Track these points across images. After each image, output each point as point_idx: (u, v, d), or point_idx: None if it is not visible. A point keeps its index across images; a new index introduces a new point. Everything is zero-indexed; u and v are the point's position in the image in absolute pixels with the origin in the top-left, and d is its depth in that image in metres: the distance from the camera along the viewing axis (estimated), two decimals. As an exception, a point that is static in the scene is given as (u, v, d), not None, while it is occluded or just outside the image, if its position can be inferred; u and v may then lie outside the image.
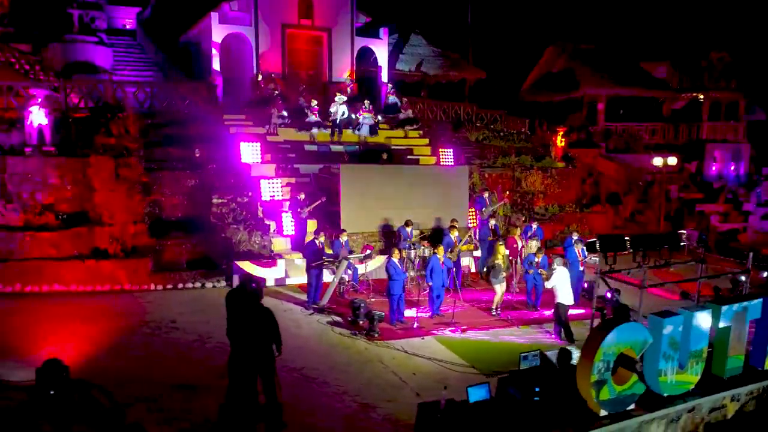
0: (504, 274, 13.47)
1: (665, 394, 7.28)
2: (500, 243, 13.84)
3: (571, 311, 13.36)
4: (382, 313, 11.78)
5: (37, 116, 14.39)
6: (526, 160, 23.10)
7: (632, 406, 7.05)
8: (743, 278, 15.21)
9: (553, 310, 12.38)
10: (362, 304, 12.15)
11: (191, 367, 9.74)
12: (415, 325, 12.11)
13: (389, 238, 16.59)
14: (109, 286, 13.29)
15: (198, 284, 13.99)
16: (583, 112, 30.93)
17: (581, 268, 14.73)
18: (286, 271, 14.82)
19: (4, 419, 7.87)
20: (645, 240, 8.73)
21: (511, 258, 15.16)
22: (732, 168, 29.69)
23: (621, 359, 6.76)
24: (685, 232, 9.95)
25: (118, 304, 12.46)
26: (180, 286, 13.84)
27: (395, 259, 12.22)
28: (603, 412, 6.82)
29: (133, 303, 12.61)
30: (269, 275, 14.53)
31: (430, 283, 12.66)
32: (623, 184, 26.28)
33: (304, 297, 13.58)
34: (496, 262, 13.32)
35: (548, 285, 11.81)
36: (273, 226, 16.16)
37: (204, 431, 7.94)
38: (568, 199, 22.75)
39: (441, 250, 12.86)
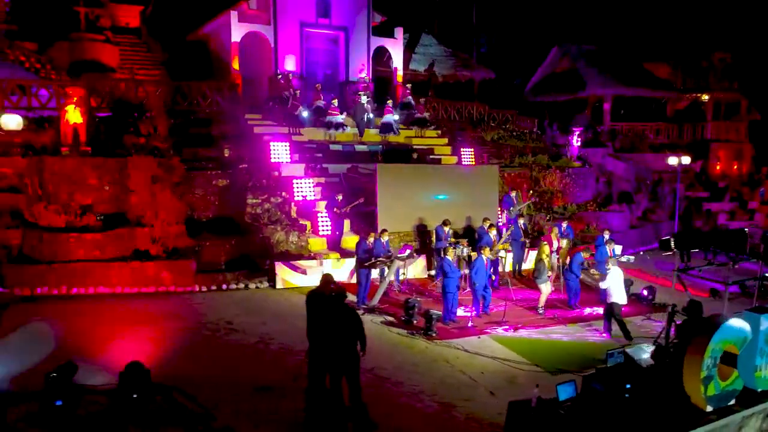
0: (549, 273, 13.59)
1: (759, 390, 7.43)
2: (545, 242, 13.95)
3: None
4: (440, 313, 11.81)
5: (73, 115, 14.11)
6: (542, 160, 23.29)
7: (732, 402, 7.19)
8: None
9: (602, 309, 12.54)
10: (416, 304, 12.15)
11: (262, 369, 9.64)
12: (470, 324, 12.14)
13: (423, 238, 16.64)
14: (154, 287, 13.09)
15: (241, 285, 13.85)
16: (587, 111, 31.32)
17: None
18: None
19: (93, 424, 7.73)
20: (716, 238, 8.87)
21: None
22: (735, 167, 30.31)
23: (724, 356, 6.89)
24: (747, 229, 10.18)
25: (169, 305, 12.28)
26: (224, 287, 13.69)
27: (450, 257, 12.26)
28: (708, 408, 6.93)
29: (183, 304, 12.44)
30: (312, 275, 14.43)
31: (476, 283, 12.70)
32: (632, 183, 26.68)
33: (350, 297, 13.51)
34: (541, 261, 13.44)
35: (603, 285, 11.91)
36: (308, 226, 16.08)
37: (297, 432, 7.88)
38: (585, 198, 23.01)
39: (487, 250, 12.96)
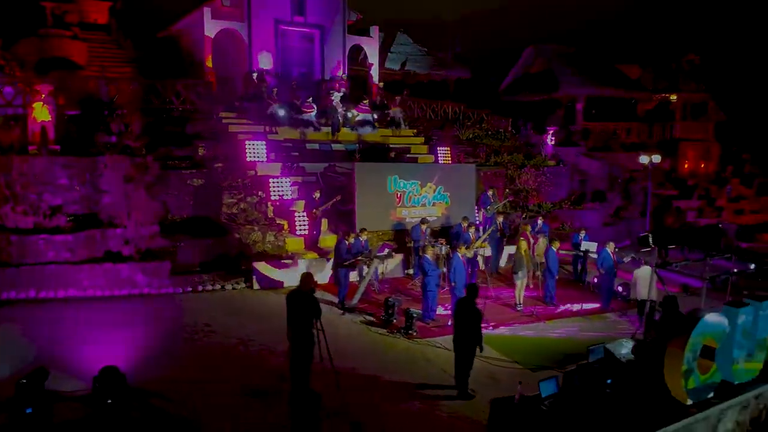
0: (525, 269, 13.68)
1: (736, 382, 7.57)
2: (522, 239, 14.04)
3: (587, 305, 13.86)
4: (420, 311, 11.79)
5: (41, 113, 13.69)
6: (517, 159, 23.47)
7: (711, 395, 7.31)
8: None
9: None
10: (396, 303, 12.10)
11: (245, 371, 9.45)
12: (450, 323, 12.09)
13: (401, 237, 16.59)
14: (128, 290, 12.76)
15: (218, 286, 13.61)
16: (561, 111, 31.72)
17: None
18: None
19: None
20: (691, 234, 9.01)
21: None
22: (702, 166, 31.03)
23: (704, 350, 7.01)
24: (721, 225, 10.36)
25: (144, 308, 11.97)
26: (200, 288, 13.43)
27: (429, 255, 12.24)
28: (689, 401, 7.03)
29: (159, 307, 12.15)
30: (290, 275, 14.27)
31: (454, 283, 12.69)
32: (605, 182, 27.11)
33: (328, 297, 13.40)
34: (518, 256, 13.53)
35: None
36: (285, 225, 15.91)
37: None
38: (560, 197, 23.28)
39: (463, 249, 12.96)
